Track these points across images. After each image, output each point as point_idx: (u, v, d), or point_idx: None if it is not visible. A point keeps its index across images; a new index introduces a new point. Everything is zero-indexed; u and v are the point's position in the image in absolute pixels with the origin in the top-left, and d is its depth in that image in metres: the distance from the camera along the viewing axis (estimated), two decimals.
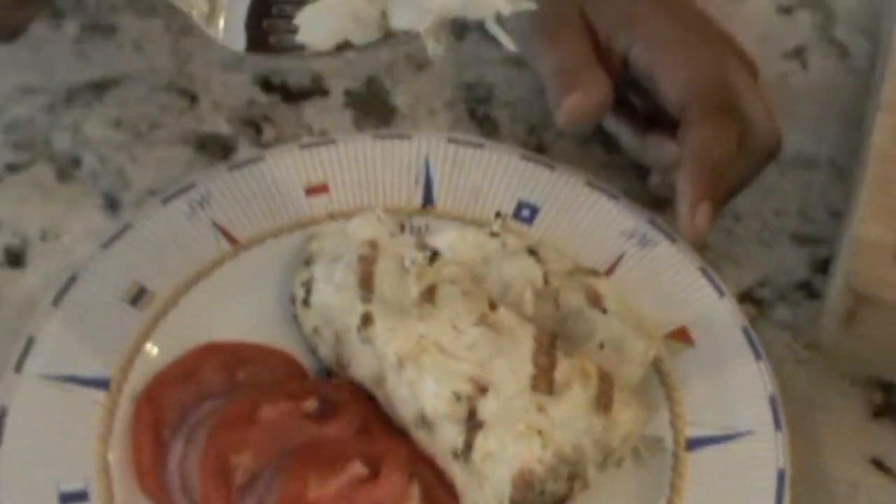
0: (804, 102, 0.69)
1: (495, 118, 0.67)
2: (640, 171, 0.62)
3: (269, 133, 0.65)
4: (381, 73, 0.69)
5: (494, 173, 0.60)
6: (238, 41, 0.54)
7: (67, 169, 0.62)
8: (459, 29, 0.72)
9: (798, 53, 0.72)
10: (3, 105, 0.65)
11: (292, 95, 0.68)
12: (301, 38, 0.52)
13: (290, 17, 0.53)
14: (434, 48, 0.51)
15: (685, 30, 0.60)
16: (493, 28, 0.50)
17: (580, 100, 0.58)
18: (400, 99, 0.68)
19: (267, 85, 0.68)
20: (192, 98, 0.66)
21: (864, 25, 0.73)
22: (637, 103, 0.62)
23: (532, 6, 0.49)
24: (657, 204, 0.59)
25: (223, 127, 0.65)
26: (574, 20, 0.62)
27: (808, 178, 0.64)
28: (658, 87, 0.58)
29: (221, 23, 0.55)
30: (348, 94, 0.68)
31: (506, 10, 0.49)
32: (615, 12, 0.61)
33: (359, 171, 0.60)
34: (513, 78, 0.69)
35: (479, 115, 0.67)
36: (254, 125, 0.65)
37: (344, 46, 0.52)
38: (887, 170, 0.52)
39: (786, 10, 0.75)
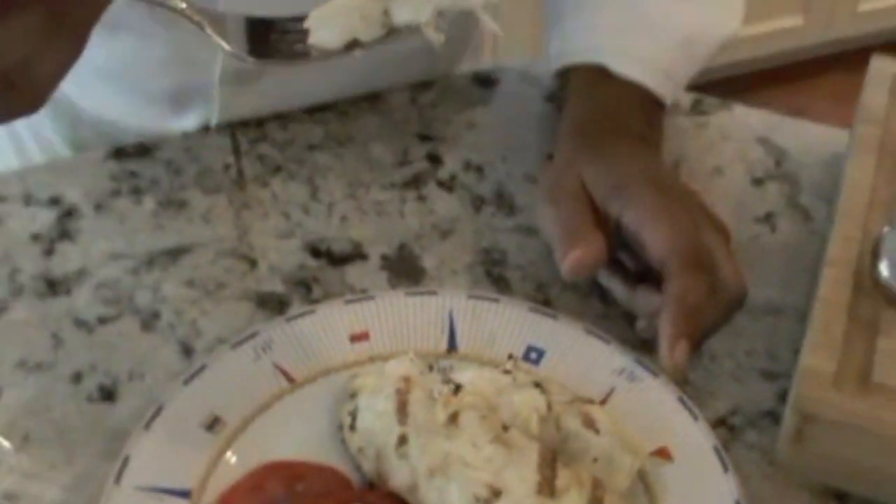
0: (773, 260, 0.76)
1: (508, 278, 0.74)
2: (630, 319, 0.69)
3: (317, 292, 0.72)
4: (412, 240, 0.76)
5: (507, 323, 0.67)
6: (245, 54, 0.57)
7: (149, 321, 0.69)
8: (478, 202, 0.80)
9: (768, 218, 0.80)
10: (95, 268, 0.72)
11: (336, 260, 0.74)
12: (313, 39, 0.55)
13: (293, 32, 0.57)
14: (435, 37, 0.55)
15: (668, 200, 0.69)
16: (482, 16, 0.55)
17: (581, 255, 0.66)
18: (428, 262, 0.75)
19: (315, 252, 0.75)
20: (252, 263, 0.74)
21: (825, 194, 0.81)
22: (627, 261, 0.69)
23: None
24: (643, 345, 0.66)
25: (279, 287, 0.72)
26: (576, 190, 0.70)
27: (775, 324, 0.70)
28: (645, 247, 0.66)
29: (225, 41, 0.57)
30: (384, 258, 0.75)
31: None
32: (609, 184, 0.70)
33: (394, 322, 0.67)
34: (523, 244, 0.76)
35: (494, 275, 0.74)
36: (305, 285, 0.72)
37: (352, 45, 0.55)
38: (829, 313, 0.61)
39: (758, 182, 0.83)
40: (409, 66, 0.91)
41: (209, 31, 0.56)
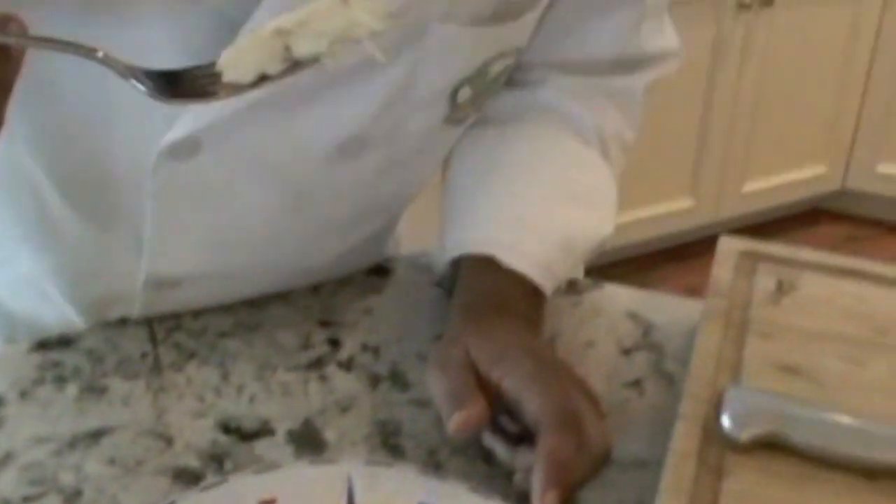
0: (640, 420, 0.83)
1: (402, 445, 0.80)
2: (510, 475, 0.75)
3: (229, 465, 0.77)
4: (315, 416, 0.82)
5: (401, 485, 0.73)
6: (164, 96, 0.60)
7: (72, 499, 0.73)
8: (374, 380, 0.87)
9: (636, 384, 0.87)
10: (20, 451, 0.77)
11: (246, 436, 0.80)
12: (227, 77, 0.59)
13: (202, 77, 0.60)
14: (333, 64, 0.59)
15: (543, 368, 0.77)
16: (370, 46, 0.59)
17: (465, 415, 0.74)
18: (329, 435, 0.81)
19: (226, 429, 0.80)
20: (169, 441, 0.79)
21: (687, 359, 0.85)
22: (508, 425, 0.77)
23: (395, 23, 0.60)
24: (522, 498, 0.72)
25: (194, 462, 0.77)
26: (462, 360, 0.78)
27: (643, 476, 0.77)
28: (522, 410, 0.74)
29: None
30: (289, 433, 0.81)
31: (379, 27, 0.59)
32: (492, 354, 0.78)
33: (299, 488, 0.73)
34: (416, 416, 0.82)
35: (390, 444, 0.80)
36: (217, 459, 0.77)
37: (262, 79, 0.59)
38: (680, 462, 0.69)
39: (627, 352, 0.91)
40: (323, 273, 1.00)
41: (131, 80, 0.60)
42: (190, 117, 0.77)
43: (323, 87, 0.79)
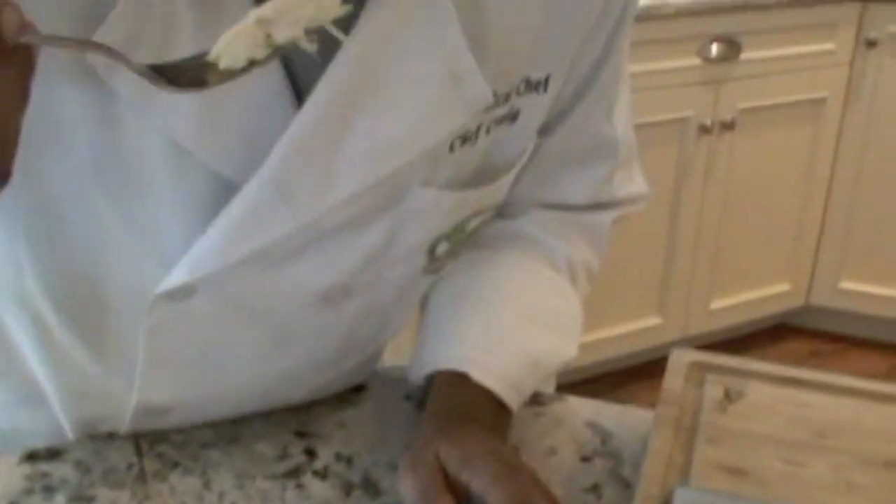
0: None
1: None
2: None
3: None
4: None
5: None
6: (161, 83, 0.64)
7: None
8: (348, 487, 0.91)
9: (594, 489, 0.92)
10: None
11: None
12: (223, 64, 0.64)
13: (192, 68, 0.64)
14: (309, 47, 0.65)
15: (507, 471, 0.81)
16: (333, 29, 0.66)
17: None
18: None
19: None
20: None
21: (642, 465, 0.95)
22: None
23: (349, 9, 0.66)
24: None
25: None
26: (431, 463, 0.83)
27: None
28: None
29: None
30: None
31: (340, 13, 0.65)
32: (460, 457, 0.83)
33: None
34: None
35: None
36: None
37: (252, 64, 0.65)
38: None
39: (586, 459, 0.96)
40: (306, 399, 1.06)
41: (139, 73, 0.64)
42: (186, 267, 0.84)
43: (310, 243, 0.86)
